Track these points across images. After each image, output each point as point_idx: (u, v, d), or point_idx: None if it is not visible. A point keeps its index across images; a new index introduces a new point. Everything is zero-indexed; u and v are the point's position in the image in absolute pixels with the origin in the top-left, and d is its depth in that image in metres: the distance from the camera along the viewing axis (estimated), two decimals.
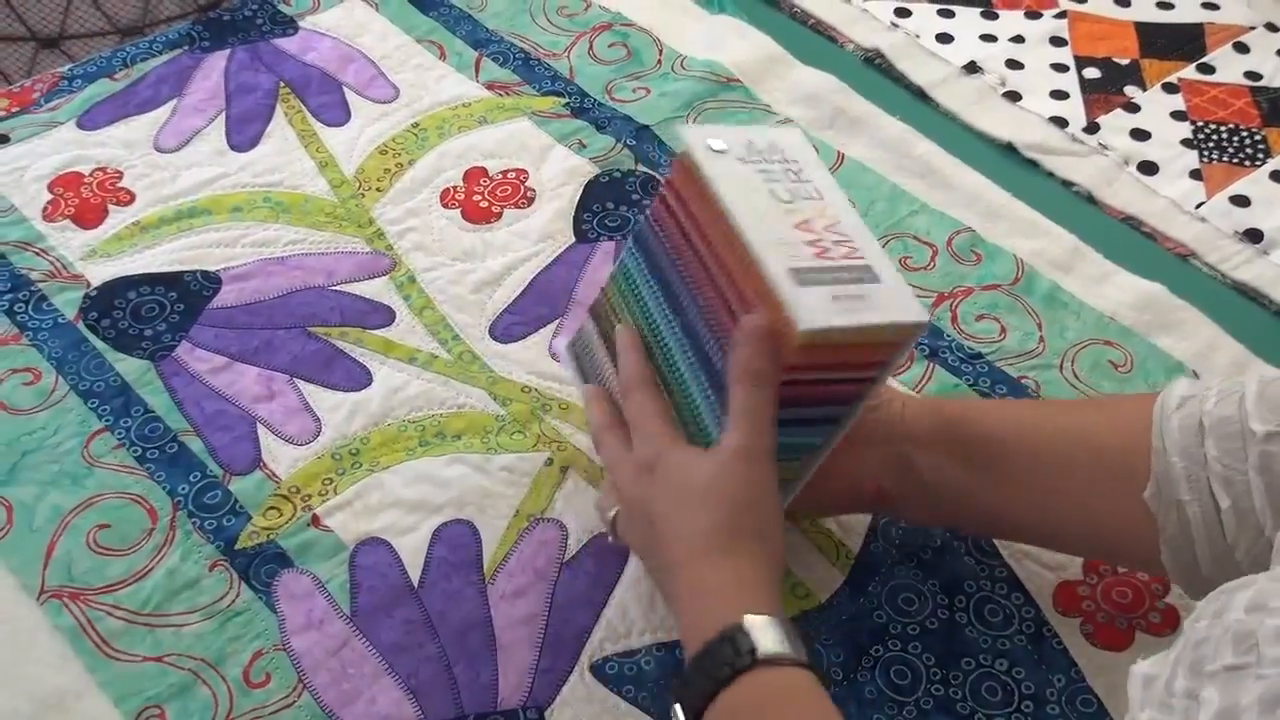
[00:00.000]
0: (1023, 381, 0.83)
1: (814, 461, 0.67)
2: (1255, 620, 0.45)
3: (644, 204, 0.93)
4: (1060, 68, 1.08)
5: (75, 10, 1.65)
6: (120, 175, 0.94)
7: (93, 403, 0.80)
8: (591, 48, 1.08)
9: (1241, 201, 0.96)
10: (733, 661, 0.55)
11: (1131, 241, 0.95)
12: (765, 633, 0.56)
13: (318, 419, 0.80)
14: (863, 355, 0.62)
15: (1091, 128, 1.02)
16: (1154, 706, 0.47)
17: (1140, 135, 1.02)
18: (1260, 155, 1.00)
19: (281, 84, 1.03)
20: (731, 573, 0.59)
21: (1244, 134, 1.02)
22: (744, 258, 0.60)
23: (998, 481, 0.67)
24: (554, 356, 0.83)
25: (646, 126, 1.00)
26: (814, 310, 0.58)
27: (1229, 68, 1.08)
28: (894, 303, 0.60)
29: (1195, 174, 0.98)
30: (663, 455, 0.63)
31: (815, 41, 1.11)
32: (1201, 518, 0.60)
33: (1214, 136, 1.02)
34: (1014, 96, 1.05)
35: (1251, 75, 1.07)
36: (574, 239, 0.92)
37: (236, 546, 0.73)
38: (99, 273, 0.87)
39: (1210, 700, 0.44)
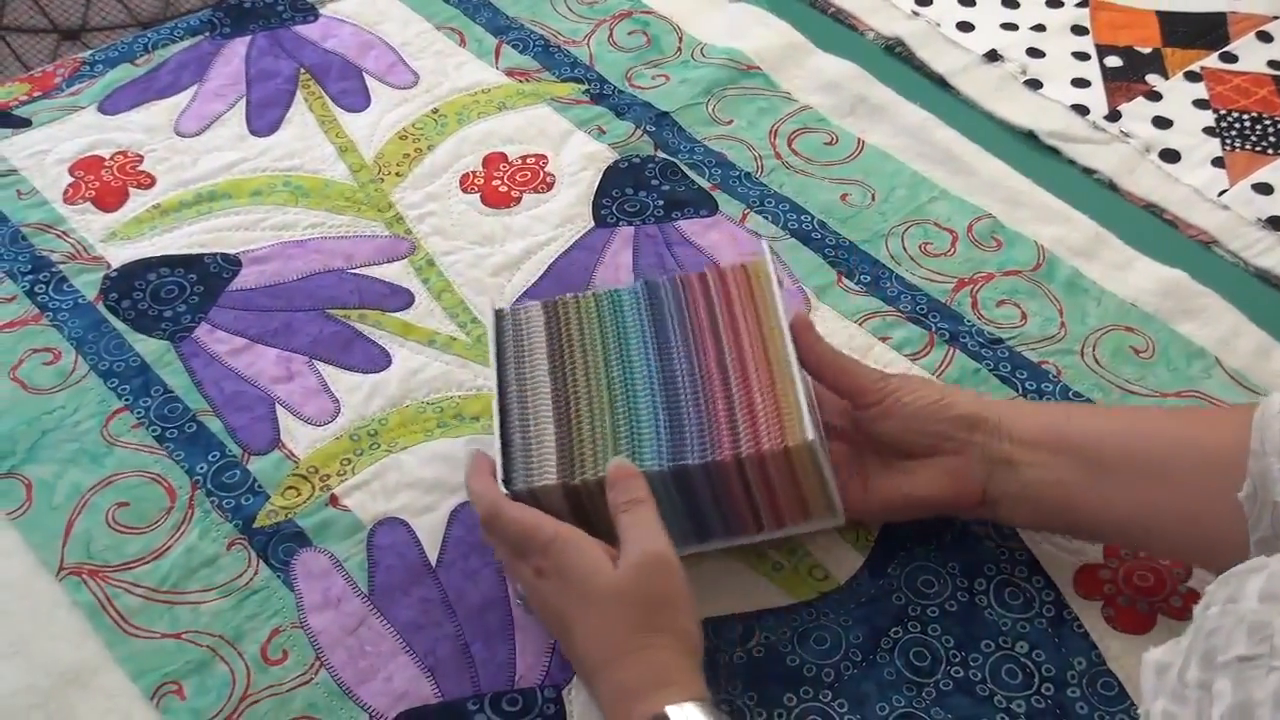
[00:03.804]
0: (1043, 367, 0.83)
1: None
2: (1269, 610, 0.44)
3: (663, 189, 0.93)
4: (1082, 56, 1.07)
5: (97, 2, 1.66)
6: (141, 159, 0.95)
7: (112, 382, 0.80)
8: (611, 35, 1.08)
9: (1264, 189, 0.95)
10: None
11: (1153, 229, 0.94)
12: None
13: (336, 400, 0.80)
14: (794, 507, 0.68)
15: (1113, 115, 1.01)
16: (1167, 696, 0.46)
17: (1162, 123, 1.01)
18: None
19: (301, 70, 1.03)
20: (650, 669, 0.60)
21: (1267, 122, 1.01)
22: (772, 364, 0.69)
23: (1098, 480, 0.66)
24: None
25: (665, 113, 1.00)
26: (814, 435, 0.66)
27: (1252, 56, 1.07)
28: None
29: (1218, 162, 0.98)
30: (563, 563, 0.63)
31: (836, 30, 1.11)
32: None
33: (1237, 125, 1.01)
34: (1035, 84, 1.04)
35: (1275, 64, 1.06)
36: (593, 224, 0.91)
37: (255, 525, 0.73)
38: (119, 254, 0.88)
39: (1223, 693, 0.43)
